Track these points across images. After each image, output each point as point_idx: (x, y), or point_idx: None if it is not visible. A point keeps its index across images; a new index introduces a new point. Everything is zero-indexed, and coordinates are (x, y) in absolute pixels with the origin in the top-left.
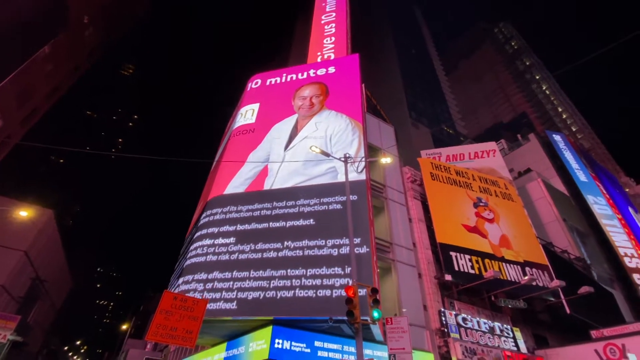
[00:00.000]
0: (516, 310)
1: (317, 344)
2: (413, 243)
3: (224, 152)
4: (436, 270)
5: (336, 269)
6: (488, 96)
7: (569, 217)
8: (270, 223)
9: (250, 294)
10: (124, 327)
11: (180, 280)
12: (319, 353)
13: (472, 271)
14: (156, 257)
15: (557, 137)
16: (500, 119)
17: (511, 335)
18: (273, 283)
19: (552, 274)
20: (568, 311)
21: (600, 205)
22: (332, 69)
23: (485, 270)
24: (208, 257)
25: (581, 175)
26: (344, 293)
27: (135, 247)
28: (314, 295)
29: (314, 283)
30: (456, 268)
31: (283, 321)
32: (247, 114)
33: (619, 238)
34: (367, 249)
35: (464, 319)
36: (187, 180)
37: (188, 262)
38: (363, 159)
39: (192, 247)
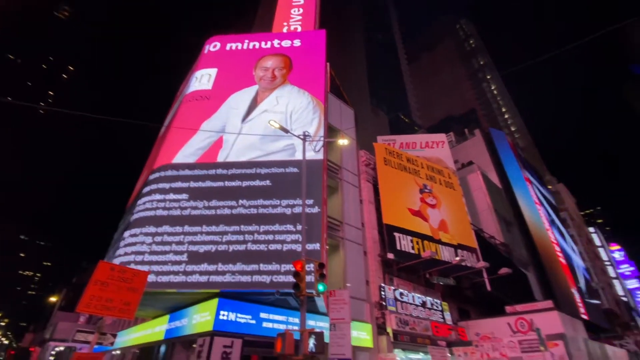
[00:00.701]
0: (446, 286)
1: (262, 315)
2: (362, 223)
3: (174, 118)
4: (380, 249)
5: (288, 226)
6: (444, 90)
7: (499, 208)
8: (226, 182)
9: (201, 248)
10: (53, 299)
11: (127, 234)
12: (264, 324)
13: (412, 251)
14: (92, 227)
15: (497, 135)
16: (452, 112)
17: (440, 308)
18: (225, 238)
19: (479, 256)
20: (489, 289)
21: (525, 199)
22: (297, 42)
23: (424, 250)
24: (158, 211)
25: (513, 171)
26: (294, 247)
27: (67, 215)
28: (266, 249)
29: (266, 238)
30: (398, 247)
31: (229, 294)
32: (202, 79)
33: (537, 223)
34: (319, 209)
35: (401, 294)
36: (131, 146)
37: (136, 215)
38: (322, 139)
39: (140, 202)
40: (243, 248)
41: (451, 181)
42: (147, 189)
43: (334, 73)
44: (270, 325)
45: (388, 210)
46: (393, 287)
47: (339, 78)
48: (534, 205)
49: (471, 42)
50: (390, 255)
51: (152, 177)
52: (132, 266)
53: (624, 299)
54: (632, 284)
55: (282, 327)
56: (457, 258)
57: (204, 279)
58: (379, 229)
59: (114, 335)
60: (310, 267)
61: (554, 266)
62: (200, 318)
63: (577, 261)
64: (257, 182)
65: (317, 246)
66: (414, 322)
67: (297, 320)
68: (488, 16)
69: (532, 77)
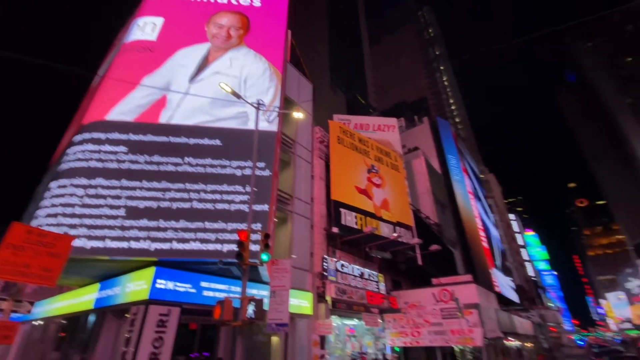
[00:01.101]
0: (383, 259)
1: (203, 284)
2: (312, 198)
3: (110, 68)
4: (326, 223)
5: (237, 187)
6: (401, 75)
7: (437, 191)
8: (171, 138)
9: (141, 203)
10: None
11: (54, 184)
12: (205, 293)
13: (355, 226)
14: (6, 184)
15: (442, 125)
16: (405, 98)
17: (376, 279)
18: (169, 195)
19: (414, 233)
20: (420, 263)
21: (460, 186)
22: (257, 2)
23: (366, 226)
24: (91, 162)
25: (452, 159)
26: (243, 207)
27: None
28: (213, 208)
29: (213, 197)
30: (343, 222)
31: (168, 262)
32: (146, 28)
33: (467, 209)
34: (270, 173)
35: (342, 265)
36: (55, 97)
37: (65, 166)
38: (277, 109)
39: (70, 152)
40: (188, 206)
41: (397, 164)
42: (78, 137)
43: (295, 43)
44: (211, 294)
45: (337, 187)
46: (335, 259)
47: (299, 49)
48: (467, 193)
49: (430, 30)
50: (335, 230)
51: (82, 131)
52: (61, 220)
53: (534, 278)
54: (541, 266)
55: (224, 295)
56: (395, 234)
57: (141, 245)
58: (327, 204)
59: (31, 303)
60: (256, 237)
61: (477, 247)
62: (135, 287)
63: (498, 243)
64: (205, 141)
65: (265, 207)
66: (351, 292)
67: (240, 289)
68: (451, 7)
69: (481, 72)
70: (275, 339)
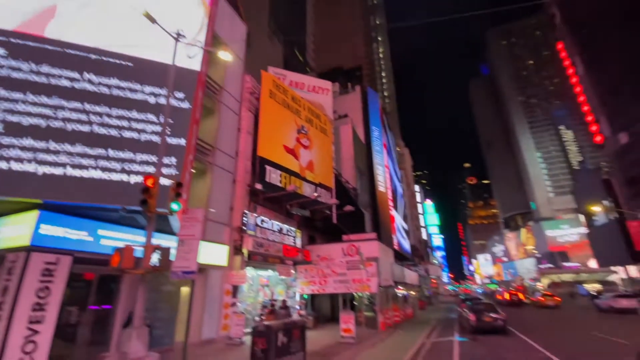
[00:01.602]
0: (302, 217)
1: (102, 232)
2: (236, 152)
3: None
4: (250, 179)
5: (150, 115)
6: (340, 38)
7: (358, 159)
8: (66, 49)
9: (25, 119)
10: None
11: None
12: (104, 242)
13: (279, 184)
14: None
15: (372, 96)
16: (342, 63)
17: (293, 235)
18: (62, 113)
19: (333, 194)
20: (335, 221)
21: (379, 156)
22: None
23: (289, 185)
24: None
25: (375, 131)
26: (155, 139)
27: None
28: (118, 135)
29: (119, 124)
30: (267, 180)
31: (56, 206)
32: None
33: (381, 179)
34: (190, 105)
35: (262, 221)
36: None
37: None
38: (201, 45)
39: None
40: (87, 129)
41: (326, 128)
42: None
43: None
44: (112, 243)
45: (264, 143)
46: (256, 215)
47: None
48: (383, 164)
49: None
50: (259, 186)
51: None
52: None
53: (425, 239)
54: (433, 230)
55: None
56: (315, 194)
57: (25, 168)
58: (252, 160)
59: None
60: (164, 184)
61: (385, 212)
62: (11, 232)
63: (402, 209)
64: (111, 59)
65: (182, 141)
66: (268, 245)
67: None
68: None
69: (414, 49)
70: (185, 289)
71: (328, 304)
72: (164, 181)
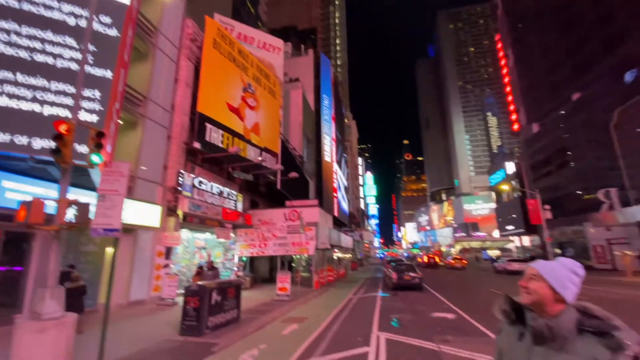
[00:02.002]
0: (244, 181)
1: (7, 184)
2: (172, 105)
3: None
4: (188, 136)
5: (68, 39)
6: None
7: (306, 126)
8: None
9: None
10: None
11: None
12: (10, 195)
13: (220, 145)
14: None
15: (325, 63)
16: (296, 23)
17: (234, 199)
18: None
19: (278, 160)
20: (279, 187)
21: (327, 126)
22: None
23: (232, 146)
24: None
25: (326, 99)
26: (73, 66)
27: None
28: (29, 57)
29: (30, 44)
30: (207, 139)
31: None
32: None
33: (328, 149)
34: (118, 34)
35: (200, 182)
36: None
37: None
38: None
39: None
40: None
41: (275, 90)
42: None
43: None
44: (20, 197)
45: (206, 98)
46: (193, 175)
47: None
48: (331, 136)
49: None
50: (197, 145)
51: None
52: None
53: (362, 208)
54: (370, 200)
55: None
56: (260, 158)
57: None
58: (191, 116)
59: None
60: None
61: (328, 181)
62: None
63: (345, 179)
64: None
65: (108, 74)
66: (207, 208)
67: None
68: None
69: (370, 23)
70: (110, 250)
71: (267, 266)
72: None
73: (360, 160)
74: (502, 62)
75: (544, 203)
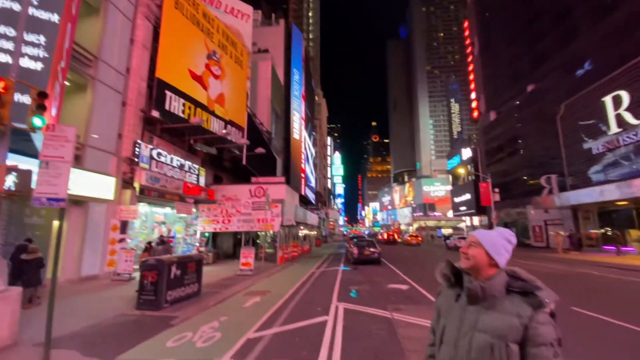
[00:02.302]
0: (208, 154)
1: None
2: (127, 68)
3: None
4: (145, 104)
5: None
6: None
7: (275, 101)
8: None
9: None
10: None
11: None
12: None
13: (181, 114)
14: None
15: (297, 35)
16: None
17: (196, 173)
18: None
19: (244, 134)
20: (244, 162)
21: (297, 102)
22: None
23: (194, 116)
24: None
25: (296, 74)
26: (15, 6)
27: None
28: None
29: None
30: (167, 107)
31: None
32: None
33: (297, 126)
34: None
35: (159, 154)
36: None
37: None
38: None
39: None
40: None
41: (242, 59)
42: None
43: None
44: None
45: (165, 63)
46: (151, 146)
47: None
48: (301, 112)
49: None
50: (155, 113)
51: None
52: None
53: (329, 188)
54: (337, 180)
55: None
56: (224, 131)
57: None
58: (149, 82)
59: None
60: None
61: (296, 159)
62: None
63: (313, 158)
64: None
65: (54, 17)
66: (166, 181)
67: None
68: None
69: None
70: (57, 223)
71: (230, 242)
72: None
73: (329, 140)
74: (468, 49)
75: (494, 187)
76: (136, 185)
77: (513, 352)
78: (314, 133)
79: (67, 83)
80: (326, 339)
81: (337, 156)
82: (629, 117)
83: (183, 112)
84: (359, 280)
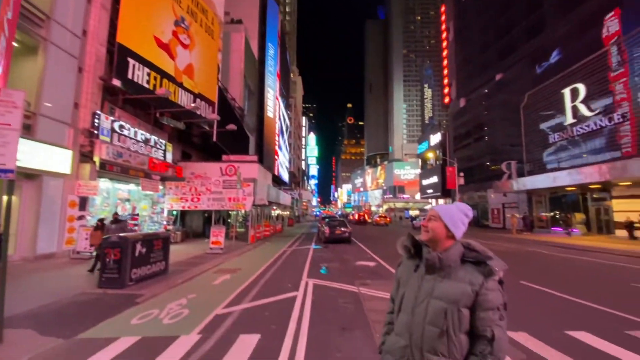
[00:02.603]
0: (175, 129)
1: None
2: (84, 30)
3: None
4: (105, 71)
5: None
6: None
7: (249, 76)
8: None
9: None
10: None
11: None
12: None
13: (146, 85)
14: None
15: (272, 7)
16: None
17: (163, 148)
18: None
19: (215, 109)
20: (214, 139)
21: (271, 77)
22: None
23: (160, 88)
24: None
25: (271, 49)
26: None
27: None
28: None
29: None
30: (129, 76)
31: None
32: None
33: (271, 104)
34: None
35: (122, 127)
36: None
37: None
38: None
39: None
40: None
41: (213, 29)
42: None
43: None
44: None
45: (128, 28)
46: (113, 118)
47: None
48: (275, 90)
49: None
50: (117, 82)
51: None
52: None
53: (304, 169)
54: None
55: None
56: (193, 105)
57: None
58: (109, 47)
59: None
60: None
61: (270, 137)
62: None
63: (286, 137)
64: None
65: None
66: (130, 156)
67: None
68: None
69: None
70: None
71: (200, 220)
72: None
73: (304, 121)
74: (444, 35)
75: (460, 171)
76: (96, 159)
77: (464, 316)
78: (288, 112)
79: (15, 45)
80: (295, 313)
81: (312, 137)
82: (583, 109)
83: (148, 82)
84: (329, 258)
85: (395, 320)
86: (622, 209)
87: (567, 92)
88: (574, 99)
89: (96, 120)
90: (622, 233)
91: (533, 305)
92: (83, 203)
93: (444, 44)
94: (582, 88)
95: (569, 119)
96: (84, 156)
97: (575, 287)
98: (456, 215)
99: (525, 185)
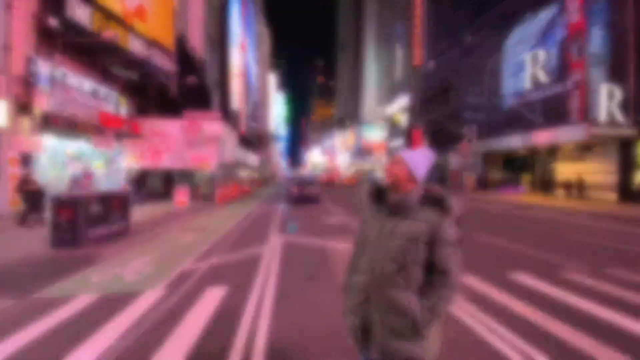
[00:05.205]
0: (129, 81)
1: None
2: None
3: None
4: (40, 9)
5: None
6: None
7: (210, 25)
8: None
9: None
10: None
11: None
12: None
13: (89, 27)
14: None
15: None
16: None
17: (115, 101)
18: None
19: (173, 60)
20: (174, 94)
21: (235, 26)
22: None
23: (106, 30)
24: None
25: None
26: None
27: None
28: None
29: None
30: (69, 15)
31: None
32: None
33: (236, 56)
34: None
35: (64, 75)
36: None
37: None
38: None
39: None
40: None
41: None
42: None
43: None
44: None
45: None
46: (53, 65)
47: None
48: (240, 43)
49: None
50: (54, 22)
51: None
52: None
53: (273, 129)
54: (280, 121)
55: None
56: (146, 52)
57: None
58: None
59: None
60: None
61: (234, 93)
62: None
63: (254, 95)
64: None
65: None
66: (76, 108)
67: None
68: None
69: None
70: None
71: (162, 181)
72: None
73: (272, 78)
74: None
75: (426, 134)
76: (37, 111)
77: (422, 251)
78: (255, 67)
79: None
80: (263, 267)
81: (281, 95)
82: (541, 75)
83: (91, 23)
84: (297, 216)
85: (359, 261)
86: (564, 171)
87: (528, 57)
88: (534, 65)
89: (33, 67)
90: (561, 192)
91: (476, 252)
92: (26, 161)
93: (418, 0)
94: (542, 54)
95: (528, 84)
96: (22, 108)
97: (510, 234)
98: (418, 159)
99: (483, 148)
